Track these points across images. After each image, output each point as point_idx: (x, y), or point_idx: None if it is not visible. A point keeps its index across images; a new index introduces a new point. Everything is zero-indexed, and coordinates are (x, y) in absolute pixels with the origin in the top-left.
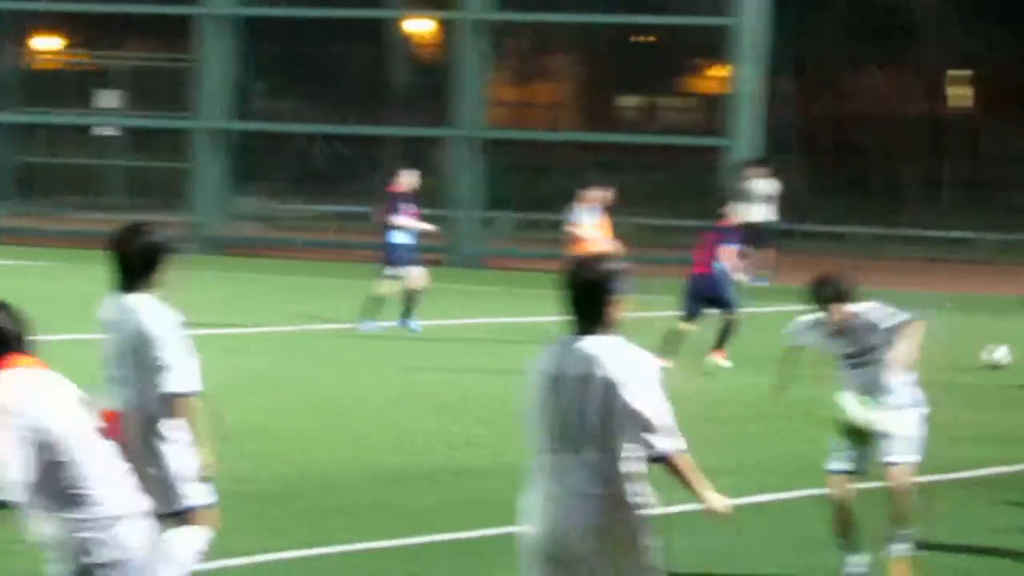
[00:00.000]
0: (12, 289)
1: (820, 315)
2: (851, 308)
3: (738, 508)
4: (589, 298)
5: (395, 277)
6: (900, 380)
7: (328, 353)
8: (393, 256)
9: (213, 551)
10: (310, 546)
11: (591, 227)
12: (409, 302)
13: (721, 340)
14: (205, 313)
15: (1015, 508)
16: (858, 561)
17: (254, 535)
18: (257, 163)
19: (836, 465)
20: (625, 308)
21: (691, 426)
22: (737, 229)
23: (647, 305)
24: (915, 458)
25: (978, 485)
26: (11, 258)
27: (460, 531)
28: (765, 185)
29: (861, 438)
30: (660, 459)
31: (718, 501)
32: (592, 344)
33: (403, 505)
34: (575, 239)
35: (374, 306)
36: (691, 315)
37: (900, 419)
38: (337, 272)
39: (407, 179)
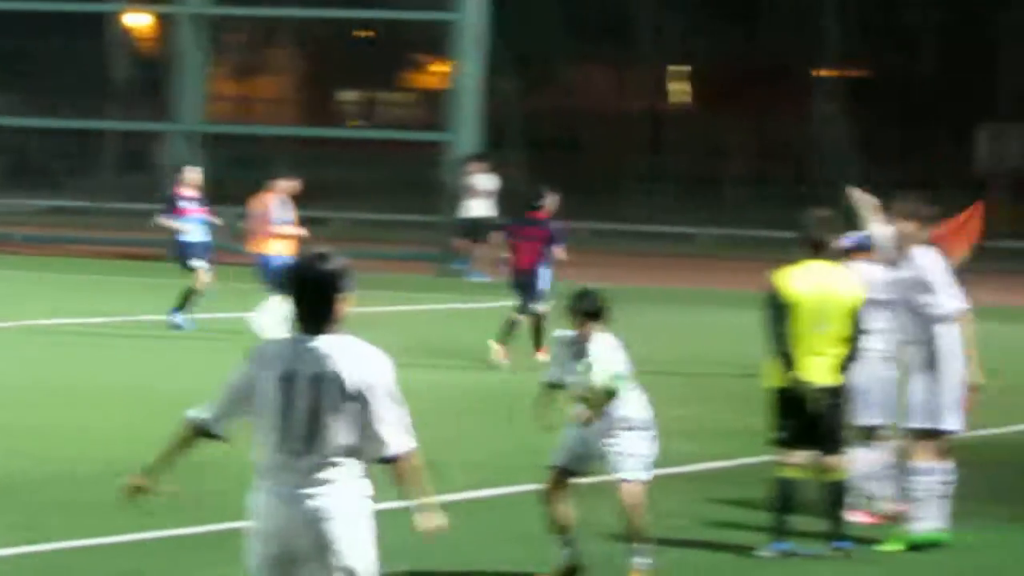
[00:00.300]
0: None
1: (571, 332)
2: (599, 331)
3: (466, 503)
4: (317, 296)
5: (198, 268)
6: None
7: (45, 349)
8: (188, 253)
9: None
10: (24, 544)
11: (281, 218)
12: (186, 298)
13: (505, 336)
14: None
15: (728, 502)
16: (569, 553)
17: None
18: None
19: (554, 460)
20: (351, 305)
21: (425, 419)
22: (553, 220)
23: (369, 300)
24: (646, 476)
25: (693, 480)
26: None
27: (179, 527)
28: (486, 180)
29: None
30: (389, 460)
31: (432, 519)
32: (325, 343)
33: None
34: (260, 232)
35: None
36: (524, 308)
37: (631, 438)
38: (57, 267)
39: (191, 176)
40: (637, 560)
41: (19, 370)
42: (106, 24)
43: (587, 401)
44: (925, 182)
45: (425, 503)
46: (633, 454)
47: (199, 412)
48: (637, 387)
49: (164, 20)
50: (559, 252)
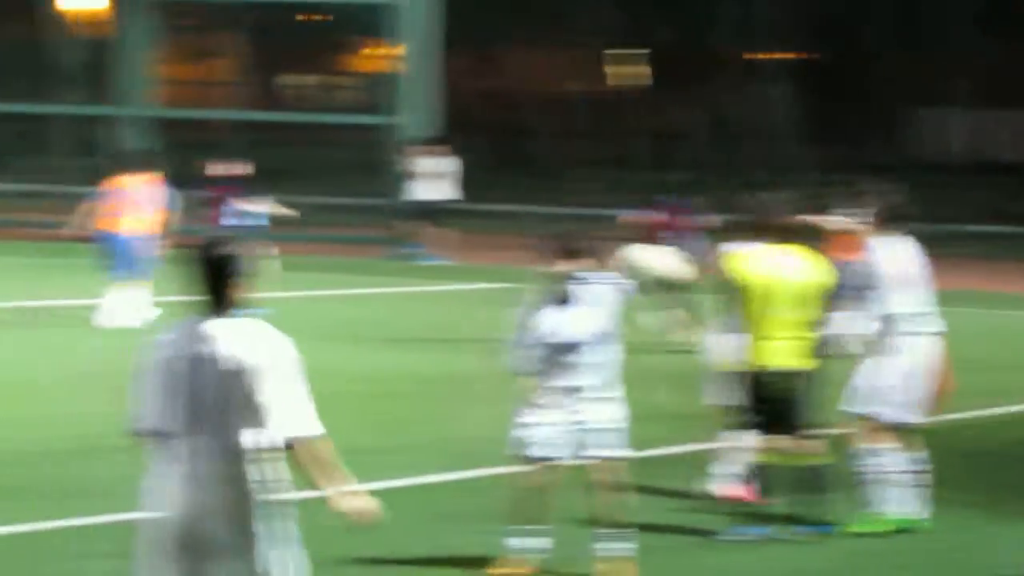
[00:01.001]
0: None
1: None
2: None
3: (409, 488)
4: (215, 279)
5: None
6: (608, 368)
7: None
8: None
9: None
10: None
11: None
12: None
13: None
14: None
15: (686, 486)
16: (541, 543)
17: None
18: None
19: (540, 452)
20: (252, 288)
21: (373, 404)
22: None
23: (318, 284)
24: (628, 451)
25: (651, 464)
26: None
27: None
28: (436, 163)
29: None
30: (293, 444)
31: (347, 501)
32: (225, 326)
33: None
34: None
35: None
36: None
37: (607, 408)
38: (8, 251)
39: (234, 167)
40: (618, 546)
41: None
42: (49, 5)
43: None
44: (873, 166)
45: (341, 488)
46: (613, 427)
47: (135, 420)
48: (611, 348)
49: (114, 3)
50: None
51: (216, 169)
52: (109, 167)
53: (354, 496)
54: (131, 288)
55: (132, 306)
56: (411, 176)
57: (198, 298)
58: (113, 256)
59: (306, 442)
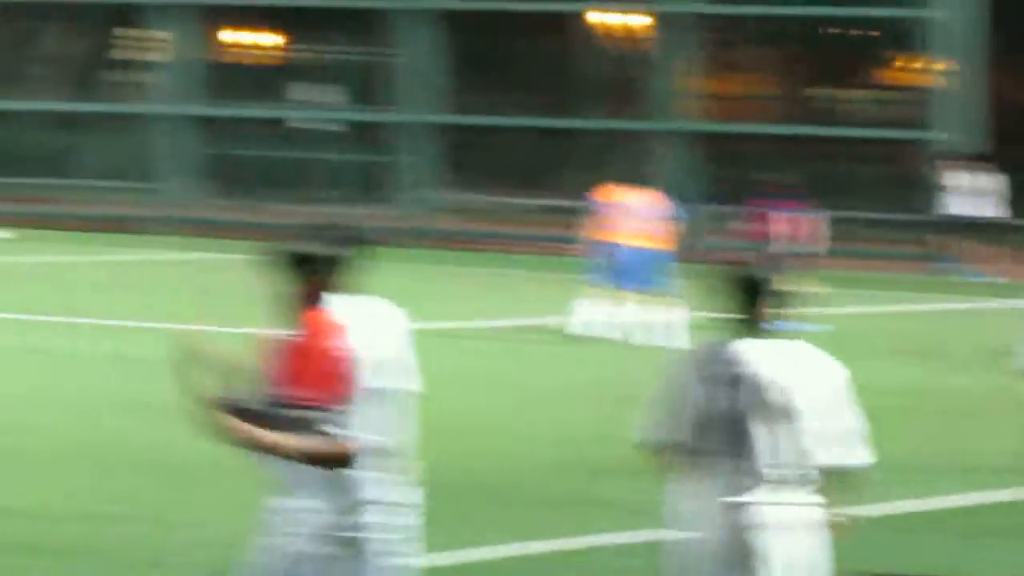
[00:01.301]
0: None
1: None
2: None
3: (955, 509)
4: (753, 297)
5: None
6: None
7: (525, 348)
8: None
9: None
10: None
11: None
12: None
13: None
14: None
15: None
16: None
17: (459, 529)
18: (459, 157)
19: None
20: (791, 307)
21: (910, 420)
22: None
23: (858, 300)
24: None
25: None
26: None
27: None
28: (979, 179)
29: None
30: (840, 470)
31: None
32: (765, 347)
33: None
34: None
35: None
36: None
37: None
38: (542, 266)
39: (781, 182)
40: None
41: (511, 370)
42: (583, 22)
43: None
44: None
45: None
46: None
47: (650, 432)
48: None
49: (651, 19)
50: None
51: (764, 184)
52: (630, 181)
53: (846, 516)
54: (642, 302)
55: (635, 319)
56: (945, 190)
57: (733, 317)
58: (613, 268)
59: (851, 471)
